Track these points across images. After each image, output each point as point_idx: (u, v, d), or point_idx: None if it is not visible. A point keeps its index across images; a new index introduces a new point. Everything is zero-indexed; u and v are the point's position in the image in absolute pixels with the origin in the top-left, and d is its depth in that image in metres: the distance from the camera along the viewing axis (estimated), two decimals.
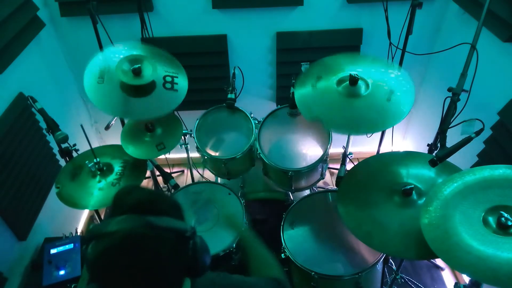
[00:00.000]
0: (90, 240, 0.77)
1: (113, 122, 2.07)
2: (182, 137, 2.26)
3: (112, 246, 0.74)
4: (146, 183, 2.83)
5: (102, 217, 2.43)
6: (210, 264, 0.88)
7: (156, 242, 0.76)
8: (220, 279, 0.98)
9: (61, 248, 1.94)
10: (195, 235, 0.84)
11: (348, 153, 2.20)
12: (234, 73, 2.21)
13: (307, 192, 2.33)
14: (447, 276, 2.39)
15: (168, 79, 1.87)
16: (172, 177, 2.01)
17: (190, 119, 2.29)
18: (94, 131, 2.94)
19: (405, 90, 1.64)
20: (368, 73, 1.72)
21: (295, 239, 1.81)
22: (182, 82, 1.89)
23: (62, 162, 2.01)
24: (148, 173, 2.07)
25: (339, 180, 1.82)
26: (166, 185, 2.20)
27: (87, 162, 1.81)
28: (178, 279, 0.83)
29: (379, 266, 1.75)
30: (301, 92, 1.76)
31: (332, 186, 2.99)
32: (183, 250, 0.81)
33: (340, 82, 1.72)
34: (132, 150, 1.89)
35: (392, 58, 2.05)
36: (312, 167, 1.95)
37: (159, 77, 1.85)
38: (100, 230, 0.76)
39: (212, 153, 2.10)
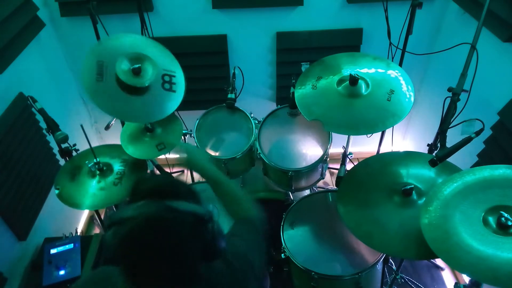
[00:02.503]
0: (111, 226, 0.79)
1: (113, 122, 2.07)
2: (182, 137, 2.26)
3: (135, 230, 0.76)
4: None
5: (102, 217, 2.43)
6: (223, 250, 0.90)
7: (176, 225, 0.78)
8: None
9: (61, 248, 1.94)
10: (212, 219, 0.86)
11: (348, 153, 2.20)
12: (234, 73, 2.21)
13: (307, 192, 2.33)
14: (447, 276, 2.39)
15: (167, 78, 1.86)
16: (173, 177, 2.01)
17: (190, 119, 2.29)
18: (94, 131, 2.94)
19: (405, 90, 1.64)
20: (368, 72, 1.72)
21: (295, 239, 1.81)
22: (180, 81, 1.88)
23: (62, 162, 2.01)
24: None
25: (339, 180, 1.82)
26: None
27: (87, 162, 1.81)
28: (197, 263, 0.85)
29: (379, 266, 1.75)
30: (301, 92, 1.76)
31: (332, 186, 2.99)
32: (202, 233, 0.83)
33: (340, 82, 1.72)
34: (132, 150, 1.89)
35: (392, 58, 2.05)
36: (312, 167, 1.95)
37: (158, 76, 1.83)
38: (120, 216, 0.78)
39: (212, 153, 2.10)
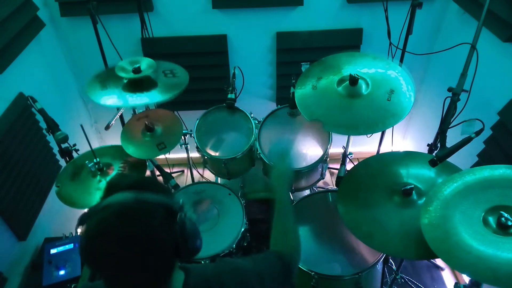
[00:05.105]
0: (80, 224, 0.78)
1: (113, 122, 2.06)
2: (182, 137, 2.26)
3: (102, 221, 0.75)
4: None
5: None
6: (200, 248, 0.89)
7: (146, 214, 0.77)
8: (212, 268, 0.96)
9: (61, 248, 1.94)
10: (183, 210, 0.84)
11: (348, 153, 2.20)
12: (234, 73, 2.21)
13: (307, 192, 2.33)
14: (447, 276, 2.39)
15: (167, 71, 1.97)
16: (172, 177, 2.01)
17: (190, 119, 2.29)
18: (94, 131, 2.94)
19: (405, 90, 1.64)
20: (368, 72, 1.72)
21: None
22: (182, 72, 1.98)
23: (62, 162, 2.01)
24: (148, 173, 2.07)
25: (339, 180, 1.82)
26: (166, 185, 2.20)
27: (87, 162, 1.81)
28: (168, 258, 0.83)
29: (379, 266, 1.75)
30: (301, 92, 1.76)
31: (332, 186, 2.99)
32: (173, 225, 0.81)
33: (340, 82, 1.72)
34: (132, 150, 1.89)
35: (392, 58, 2.05)
36: (312, 167, 1.95)
37: (159, 71, 1.95)
38: (90, 211, 0.78)
39: (212, 153, 2.10)
